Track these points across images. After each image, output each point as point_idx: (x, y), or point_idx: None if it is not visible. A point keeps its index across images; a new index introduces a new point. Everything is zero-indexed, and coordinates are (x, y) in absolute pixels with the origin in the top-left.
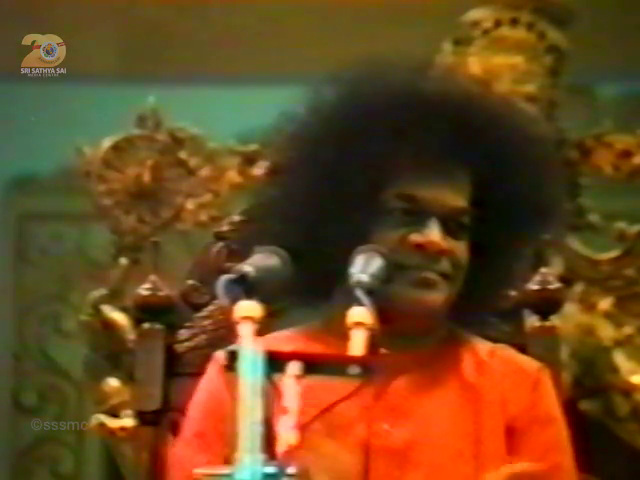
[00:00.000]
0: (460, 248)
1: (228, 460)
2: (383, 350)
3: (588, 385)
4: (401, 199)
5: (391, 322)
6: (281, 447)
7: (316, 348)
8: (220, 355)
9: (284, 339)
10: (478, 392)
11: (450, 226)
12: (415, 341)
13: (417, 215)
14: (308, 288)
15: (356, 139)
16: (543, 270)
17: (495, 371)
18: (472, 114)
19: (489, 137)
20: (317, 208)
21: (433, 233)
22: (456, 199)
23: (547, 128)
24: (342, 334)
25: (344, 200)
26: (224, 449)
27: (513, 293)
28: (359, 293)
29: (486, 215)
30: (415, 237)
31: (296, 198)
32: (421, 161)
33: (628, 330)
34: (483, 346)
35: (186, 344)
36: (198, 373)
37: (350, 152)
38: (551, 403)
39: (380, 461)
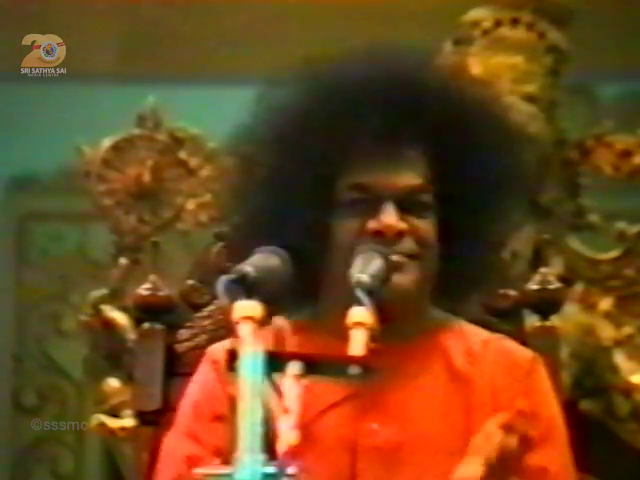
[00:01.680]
0: (424, 226)
1: (219, 454)
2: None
3: (588, 385)
4: (352, 189)
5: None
6: (281, 447)
7: (303, 342)
8: (213, 350)
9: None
10: (468, 381)
11: (408, 206)
12: (398, 331)
13: (371, 202)
14: (298, 286)
15: (300, 135)
16: (543, 270)
17: (487, 360)
18: (416, 91)
19: (436, 112)
20: (274, 207)
21: (388, 217)
22: (408, 178)
23: (547, 128)
24: (330, 329)
25: (297, 197)
26: (215, 445)
27: (513, 293)
28: (359, 293)
29: (449, 191)
30: (371, 224)
31: (254, 196)
32: (366, 147)
33: (628, 330)
34: (476, 334)
35: (186, 344)
36: None
37: (295, 148)
38: (544, 394)
39: (369, 461)
